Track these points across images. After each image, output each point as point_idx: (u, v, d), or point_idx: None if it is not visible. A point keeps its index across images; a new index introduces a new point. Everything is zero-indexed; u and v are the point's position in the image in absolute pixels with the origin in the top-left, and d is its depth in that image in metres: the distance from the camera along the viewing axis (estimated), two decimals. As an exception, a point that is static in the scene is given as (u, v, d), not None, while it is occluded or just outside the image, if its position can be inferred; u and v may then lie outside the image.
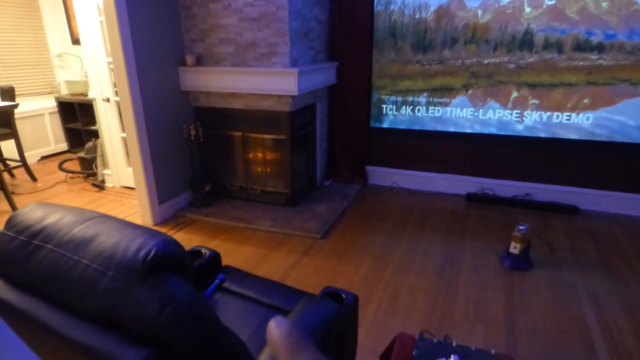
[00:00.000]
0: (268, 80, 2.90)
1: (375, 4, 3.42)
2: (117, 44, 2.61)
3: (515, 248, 2.49)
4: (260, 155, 3.37)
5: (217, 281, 1.55)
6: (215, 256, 1.63)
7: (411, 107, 3.60)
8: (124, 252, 0.79)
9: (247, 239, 2.87)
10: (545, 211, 3.30)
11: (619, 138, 3.10)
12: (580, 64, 3.04)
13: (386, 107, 3.69)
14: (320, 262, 2.58)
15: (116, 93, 3.32)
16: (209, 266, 1.59)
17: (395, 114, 3.68)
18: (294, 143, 3.16)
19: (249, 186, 3.41)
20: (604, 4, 2.87)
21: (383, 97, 3.67)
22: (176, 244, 0.87)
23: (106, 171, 3.83)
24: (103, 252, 0.81)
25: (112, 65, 2.99)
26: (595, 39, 2.95)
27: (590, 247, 2.76)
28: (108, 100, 3.51)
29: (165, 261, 0.82)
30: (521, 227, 2.48)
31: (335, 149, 3.87)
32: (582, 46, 3.00)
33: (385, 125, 3.74)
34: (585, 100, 3.11)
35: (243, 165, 3.39)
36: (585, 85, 3.08)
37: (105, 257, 0.80)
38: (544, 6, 3.00)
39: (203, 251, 1.62)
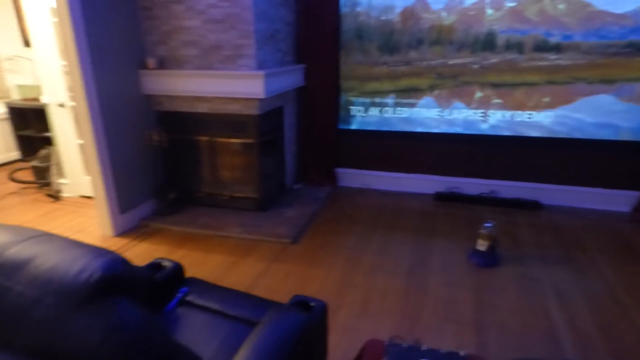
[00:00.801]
0: (234, 83, 2.82)
1: (341, 5, 3.41)
2: (71, 46, 2.46)
3: (482, 245, 2.54)
4: (227, 160, 3.28)
5: (179, 295, 1.47)
6: (178, 268, 1.55)
7: (379, 108, 3.62)
8: (63, 276, 0.72)
9: (215, 247, 2.78)
10: (510, 207, 3.39)
11: (577, 135, 3.23)
12: (540, 64, 3.14)
13: (354, 109, 3.69)
14: (291, 268, 2.53)
15: (71, 98, 3.15)
16: (171, 279, 1.52)
17: (364, 116, 3.68)
18: (262, 147, 3.09)
19: (217, 192, 3.31)
20: (561, 6, 2.98)
21: (351, 98, 3.67)
22: (124, 263, 0.81)
23: (62, 180, 3.63)
24: (39, 277, 0.73)
25: (66, 69, 2.83)
26: (553, 40, 3.05)
27: (553, 241, 2.85)
28: (63, 105, 3.32)
29: (112, 283, 0.75)
30: (487, 225, 2.53)
31: (305, 152, 3.83)
32: (541, 47, 3.10)
33: (354, 127, 3.74)
34: (546, 99, 3.22)
35: (210, 170, 3.29)
36: (546, 84, 3.18)
37: (41, 282, 0.73)
38: (505, 8, 3.08)
39: (164, 263, 1.53)
